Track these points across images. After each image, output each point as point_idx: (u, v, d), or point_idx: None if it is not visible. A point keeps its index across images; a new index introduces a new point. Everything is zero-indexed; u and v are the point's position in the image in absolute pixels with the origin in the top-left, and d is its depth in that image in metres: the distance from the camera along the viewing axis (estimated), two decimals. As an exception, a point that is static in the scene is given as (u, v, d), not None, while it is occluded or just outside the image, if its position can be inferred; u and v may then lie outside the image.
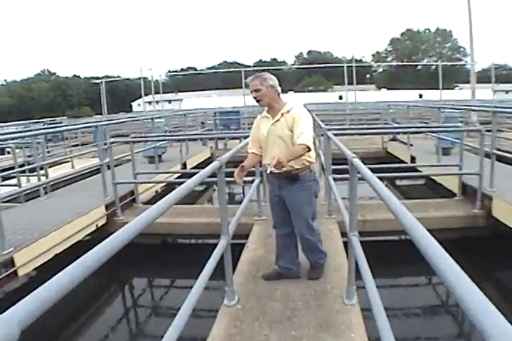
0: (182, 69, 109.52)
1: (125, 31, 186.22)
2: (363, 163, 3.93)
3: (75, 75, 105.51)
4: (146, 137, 8.57)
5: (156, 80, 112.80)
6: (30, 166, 8.12)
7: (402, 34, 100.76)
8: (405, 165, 8.84)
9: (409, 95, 59.60)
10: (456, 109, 10.60)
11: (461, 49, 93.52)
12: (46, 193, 7.89)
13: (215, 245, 3.37)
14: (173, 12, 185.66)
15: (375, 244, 5.87)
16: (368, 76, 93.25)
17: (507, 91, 65.53)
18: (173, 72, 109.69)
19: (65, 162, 12.10)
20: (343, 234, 5.37)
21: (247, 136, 6.49)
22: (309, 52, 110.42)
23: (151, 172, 8.31)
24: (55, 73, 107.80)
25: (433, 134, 9.79)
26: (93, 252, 1.35)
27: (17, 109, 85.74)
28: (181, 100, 78.53)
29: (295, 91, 72.71)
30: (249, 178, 6.39)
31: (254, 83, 3.90)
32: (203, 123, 14.89)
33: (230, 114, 16.92)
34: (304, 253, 4.32)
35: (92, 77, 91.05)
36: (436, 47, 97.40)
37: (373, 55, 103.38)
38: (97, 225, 6.51)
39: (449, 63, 51.69)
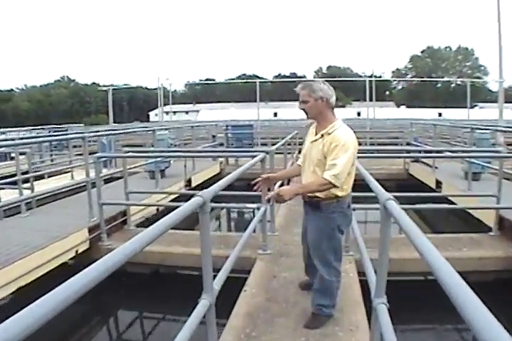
0: (201, 81, 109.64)
1: (147, 42, 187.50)
2: (384, 186, 3.22)
3: (93, 83, 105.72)
4: (141, 152, 7.71)
5: (175, 90, 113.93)
6: (14, 178, 7.29)
7: (423, 51, 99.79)
8: (434, 195, 7.77)
9: (429, 113, 58.82)
10: (488, 130, 9.52)
11: (482, 68, 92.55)
12: (31, 209, 7.12)
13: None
14: (194, 25, 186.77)
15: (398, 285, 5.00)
16: (387, 93, 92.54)
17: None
18: (192, 83, 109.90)
19: (67, 172, 11.35)
20: (361, 274, 4.51)
21: (256, 156, 5.67)
22: (329, 67, 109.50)
23: (143, 192, 7.35)
24: (74, 80, 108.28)
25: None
26: (66, 285, 1.17)
27: (35, 114, 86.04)
28: (198, 111, 78.24)
29: (313, 107, 71.58)
30: (254, 205, 5.56)
31: (302, 93, 3.41)
32: (213, 136, 14.03)
33: (243, 128, 16.02)
34: (312, 294, 3.67)
35: (112, 85, 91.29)
36: (457, 65, 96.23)
37: (393, 72, 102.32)
38: (76, 251, 5.67)
39: (471, 79, 50.36)
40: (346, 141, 3.22)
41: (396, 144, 18.06)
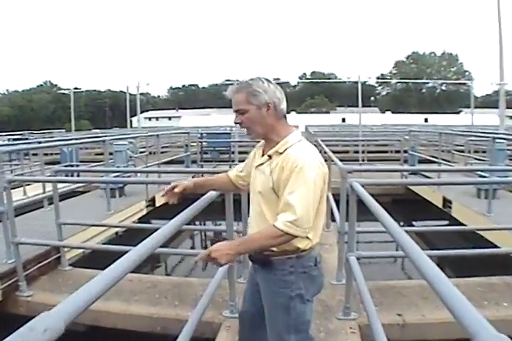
0: (184, 86, 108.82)
1: (131, 47, 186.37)
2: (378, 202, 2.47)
3: (76, 88, 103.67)
4: (73, 171, 6.14)
5: (158, 96, 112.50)
6: None
7: (408, 57, 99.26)
8: (461, 228, 5.91)
9: (415, 119, 57.91)
10: (506, 139, 7.99)
11: (466, 73, 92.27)
12: None
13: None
14: (179, 30, 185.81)
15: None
16: (372, 98, 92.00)
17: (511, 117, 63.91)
18: (175, 88, 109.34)
19: (18, 186, 9.69)
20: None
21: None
22: (313, 72, 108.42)
23: (79, 224, 5.67)
24: (56, 85, 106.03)
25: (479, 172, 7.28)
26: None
27: (16, 120, 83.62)
28: (181, 117, 77.01)
29: (297, 112, 70.52)
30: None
31: (237, 98, 2.11)
32: (187, 146, 12.47)
33: (219, 136, 14.56)
34: None
35: (94, 91, 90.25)
36: (442, 70, 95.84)
37: (378, 78, 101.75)
38: (-21, 309, 4.16)
39: (470, 81, 49.14)
40: (305, 164, 1.98)
41: (387, 151, 16.68)
